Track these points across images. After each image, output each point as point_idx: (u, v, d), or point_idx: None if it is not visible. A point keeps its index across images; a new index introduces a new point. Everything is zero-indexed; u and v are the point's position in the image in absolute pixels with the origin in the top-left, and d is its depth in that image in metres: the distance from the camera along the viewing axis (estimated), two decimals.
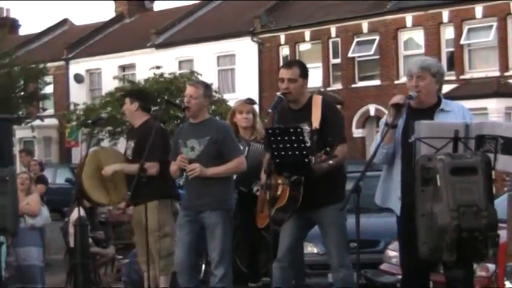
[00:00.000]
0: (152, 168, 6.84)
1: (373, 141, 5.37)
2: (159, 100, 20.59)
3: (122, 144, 18.24)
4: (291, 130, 5.36)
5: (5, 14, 41.03)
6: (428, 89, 5.31)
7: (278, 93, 5.82)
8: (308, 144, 5.51)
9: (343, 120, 6.15)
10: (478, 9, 23.91)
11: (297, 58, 26.85)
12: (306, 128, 5.67)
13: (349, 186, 5.21)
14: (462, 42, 24.24)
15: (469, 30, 24.22)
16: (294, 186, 5.61)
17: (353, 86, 26.62)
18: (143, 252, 7.04)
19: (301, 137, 5.33)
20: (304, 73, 5.91)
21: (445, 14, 24.56)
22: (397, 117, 5.13)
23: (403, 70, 25.46)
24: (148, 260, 6.69)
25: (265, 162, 5.85)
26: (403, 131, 5.27)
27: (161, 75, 25.52)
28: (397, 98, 5.19)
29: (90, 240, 10.12)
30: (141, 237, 7.12)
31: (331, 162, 5.35)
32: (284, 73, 5.87)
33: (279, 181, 5.69)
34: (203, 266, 8.26)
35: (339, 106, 25.63)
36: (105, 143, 26.29)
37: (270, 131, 5.47)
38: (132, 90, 8.35)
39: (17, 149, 32.06)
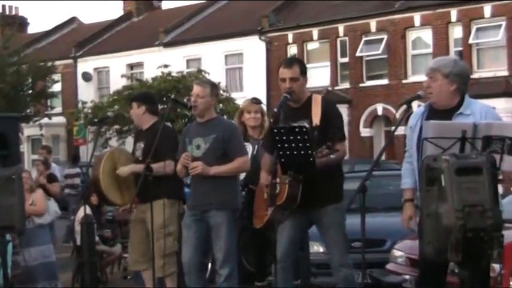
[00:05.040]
0: (168, 166, 6.79)
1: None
2: (164, 99, 20.72)
3: (130, 143, 18.27)
4: (297, 130, 5.35)
5: (13, 12, 41.11)
6: (440, 90, 5.19)
7: (284, 94, 5.80)
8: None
9: (342, 118, 6.11)
10: (487, 9, 23.85)
11: (305, 57, 26.86)
12: (306, 125, 5.66)
13: (356, 185, 5.19)
14: (471, 41, 24.18)
15: (478, 29, 24.16)
16: (292, 184, 5.58)
17: (361, 85, 26.59)
18: (137, 250, 7.13)
19: (306, 137, 5.32)
20: (304, 71, 5.88)
21: (454, 13, 24.51)
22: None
23: (411, 69, 25.41)
24: (153, 259, 6.68)
25: (265, 161, 5.87)
26: (419, 131, 5.23)
27: (169, 73, 25.55)
28: None
29: (97, 238, 10.14)
30: (139, 235, 7.15)
31: (332, 156, 5.34)
32: (285, 73, 5.81)
33: (277, 179, 5.68)
34: (209, 265, 8.28)
35: (346, 105, 25.67)
36: (113, 142, 26.34)
37: (275, 130, 5.46)
38: (138, 94, 8.23)
39: (24, 147, 32.25)
